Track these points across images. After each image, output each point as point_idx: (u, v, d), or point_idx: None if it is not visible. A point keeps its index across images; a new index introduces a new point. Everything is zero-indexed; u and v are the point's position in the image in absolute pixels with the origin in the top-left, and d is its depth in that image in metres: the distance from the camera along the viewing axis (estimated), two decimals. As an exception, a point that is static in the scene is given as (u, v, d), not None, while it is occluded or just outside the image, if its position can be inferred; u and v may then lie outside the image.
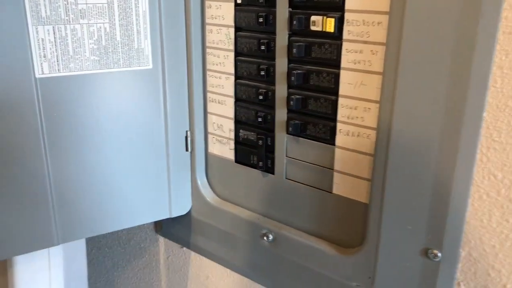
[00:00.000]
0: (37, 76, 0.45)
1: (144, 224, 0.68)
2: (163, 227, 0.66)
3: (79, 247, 0.59)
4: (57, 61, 0.46)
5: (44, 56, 0.45)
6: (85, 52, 0.47)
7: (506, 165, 0.36)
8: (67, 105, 0.48)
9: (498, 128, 0.35)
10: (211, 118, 0.56)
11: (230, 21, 0.51)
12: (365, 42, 0.42)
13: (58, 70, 0.46)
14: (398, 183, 0.41)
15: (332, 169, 0.47)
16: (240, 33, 0.50)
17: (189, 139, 0.56)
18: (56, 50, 0.46)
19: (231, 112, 0.54)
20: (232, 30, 0.51)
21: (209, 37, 0.53)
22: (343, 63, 0.44)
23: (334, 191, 0.48)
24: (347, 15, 0.42)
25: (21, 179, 0.47)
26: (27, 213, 0.48)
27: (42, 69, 0.45)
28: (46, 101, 0.46)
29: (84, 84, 0.48)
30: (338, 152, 0.46)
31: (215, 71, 0.54)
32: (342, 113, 0.45)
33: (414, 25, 0.37)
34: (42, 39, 0.45)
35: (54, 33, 0.45)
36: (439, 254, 0.40)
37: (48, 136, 0.48)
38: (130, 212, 0.55)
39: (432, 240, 0.40)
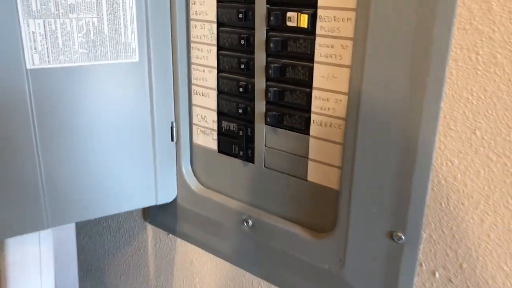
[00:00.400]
0: (28, 67, 0.48)
1: (133, 213, 0.71)
2: (151, 215, 0.68)
3: (69, 233, 0.62)
4: (47, 53, 0.48)
5: (35, 48, 0.48)
6: (74, 45, 0.50)
7: (461, 152, 0.38)
8: (57, 95, 0.50)
9: (454, 118, 0.38)
10: (196, 110, 0.59)
11: (213, 17, 0.53)
12: (336, 37, 0.44)
13: (48, 61, 0.49)
14: (365, 170, 0.44)
15: (307, 158, 0.50)
16: (222, 28, 0.53)
17: (174, 129, 0.59)
18: (46, 42, 0.48)
19: (214, 104, 0.57)
20: (214, 26, 0.53)
21: (194, 32, 0.56)
22: (316, 57, 0.46)
23: (309, 178, 0.50)
24: (319, 12, 0.45)
25: (13, 164, 0.50)
26: (18, 197, 0.50)
27: (33, 60, 0.48)
28: (37, 91, 0.49)
29: (74, 76, 0.51)
30: (312, 141, 0.49)
31: (199, 64, 0.56)
32: (315, 104, 0.48)
33: (377, 21, 0.40)
34: (33, 32, 0.47)
35: (44, 26, 0.48)
36: (403, 237, 0.43)
37: (39, 125, 0.50)
38: (118, 198, 0.57)
39: (396, 223, 0.43)
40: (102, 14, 0.50)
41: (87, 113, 0.53)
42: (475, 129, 0.37)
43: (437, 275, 0.42)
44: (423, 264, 0.43)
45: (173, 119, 0.58)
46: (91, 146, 0.54)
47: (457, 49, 0.37)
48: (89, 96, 0.52)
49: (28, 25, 0.47)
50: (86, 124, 0.53)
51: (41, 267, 0.56)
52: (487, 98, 0.36)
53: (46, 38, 0.48)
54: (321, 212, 0.50)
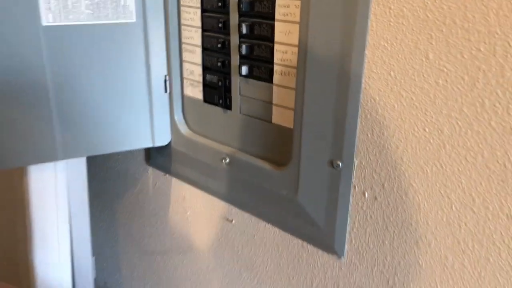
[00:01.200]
0: (44, 24, 0.59)
1: (137, 158, 0.82)
2: (151, 158, 0.79)
3: (80, 170, 0.74)
4: (59, 12, 0.59)
5: (49, 8, 0.59)
6: (81, 6, 0.60)
7: (380, 90, 0.47)
8: (67, 48, 0.61)
9: (375, 62, 0.47)
10: (185, 65, 0.69)
11: (197, -17, 0.63)
12: (291, -2, 0.53)
13: (60, 20, 0.60)
14: (311, 110, 0.53)
15: (271, 103, 0.59)
16: (205, -7, 0.63)
17: (167, 82, 0.69)
18: (58, 4, 0.59)
19: (199, 60, 0.66)
20: (199, -9, 0.63)
21: (182, -3, 0.65)
22: (277, 16, 0.55)
23: (273, 121, 0.60)
24: (278, -23, 0.54)
25: (31, 106, 0.61)
26: (36, 132, 0.62)
27: (47, 18, 0.59)
28: (50, 44, 0.60)
29: (81, 32, 0.61)
30: (275, 89, 0.58)
31: (187, 25, 0.66)
32: (277, 56, 0.57)
33: (317, -17, 0.48)
34: (47, -5, 0.58)
35: (56, -10, 0.58)
36: (340, 164, 0.52)
37: (52, 73, 0.61)
38: (120, 138, 0.68)
39: (335, 153, 0.52)
40: (105, -19, 0.61)
41: (92, 64, 0.64)
42: (390, 71, 0.46)
43: (366, 195, 0.52)
44: (356, 186, 0.52)
45: (166, 73, 0.69)
46: (97, 93, 0.65)
47: (376, 4, 0.45)
48: (94, 50, 0.63)
49: (43, -11, 0.58)
50: (92, 74, 0.64)
51: (56, 193, 0.68)
52: (398, 44, 0.44)
53: (58, 0, 0.59)
54: (282, 148, 0.60)
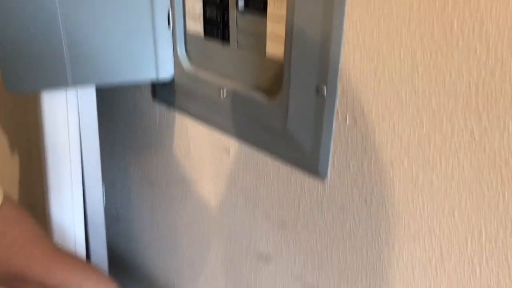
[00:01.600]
0: (52, -44, 0.63)
1: (144, 94, 0.87)
2: (157, 94, 0.84)
3: (90, 100, 0.79)
4: None
5: None
6: None
7: (361, 17, 0.50)
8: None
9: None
10: (187, 1, 0.72)
11: None
12: None
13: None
14: (299, 38, 0.56)
15: (265, 38, 0.62)
16: None
17: (170, 16, 0.72)
18: None
19: (200, -5, 0.69)
20: None
21: None
22: (270, -52, 0.58)
23: (267, 55, 0.63)
24: None
25: (44, 34, 0.66)
26: (48, 59, 0.67)
27: (55, -49, 0.62)
28: (59, -23, 0.64)
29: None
30: (268, 23, 0.61)
31: (189, -39, 0.69)
32: (270, -11, 0.59)
33: None
34: None
35: None
36: (325, 89, 0.55)
37: (62, 6, 0.65)
38: (126, 70, 0.73)
39: (320, 79, 0.55)
40: None
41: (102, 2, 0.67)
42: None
43: (347, 119, 0.55)
44: (339, 112, 0.56)
45: (169, 7, 0.72)
46: (104, 25, 0.69)
47: None
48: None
49: None
50: (98, 6, 0.68)
51: (68, 121, 0.74)
52: (378, -29, 0.47)
53: None
54: (275, 81, 0.63)
